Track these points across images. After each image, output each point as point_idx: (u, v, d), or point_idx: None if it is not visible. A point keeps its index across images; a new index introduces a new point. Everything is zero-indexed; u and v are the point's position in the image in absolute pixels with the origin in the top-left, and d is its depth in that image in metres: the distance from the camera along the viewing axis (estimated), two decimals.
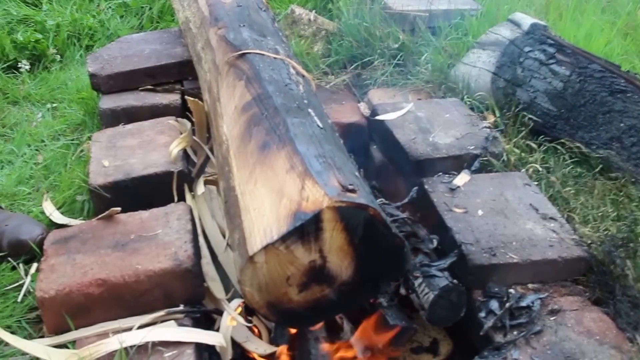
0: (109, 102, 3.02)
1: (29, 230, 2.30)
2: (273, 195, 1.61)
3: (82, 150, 2.91)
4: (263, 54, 2.21)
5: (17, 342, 1.91)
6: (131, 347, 1.81)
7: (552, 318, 2.01)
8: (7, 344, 1.94)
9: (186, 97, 2.82)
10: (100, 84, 3.11)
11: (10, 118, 3.33)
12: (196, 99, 2.61)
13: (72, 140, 3.09)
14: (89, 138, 2.83)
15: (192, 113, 2.64)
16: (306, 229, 1.51)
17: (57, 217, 2.48)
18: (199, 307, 2.00)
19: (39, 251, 2.15)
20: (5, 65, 3.85)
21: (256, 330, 2.15)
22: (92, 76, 3.12)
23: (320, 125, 1.87)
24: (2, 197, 2.63)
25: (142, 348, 1.82)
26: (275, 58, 2.22)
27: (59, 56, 4.06)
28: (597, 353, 1.89)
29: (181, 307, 1.97)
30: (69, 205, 2.59)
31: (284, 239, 1.50)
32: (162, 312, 1.94)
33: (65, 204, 2.60)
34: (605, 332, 1.97)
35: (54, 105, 3.47)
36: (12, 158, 2.97)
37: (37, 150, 3.04)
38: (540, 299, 2.06)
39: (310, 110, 1.94)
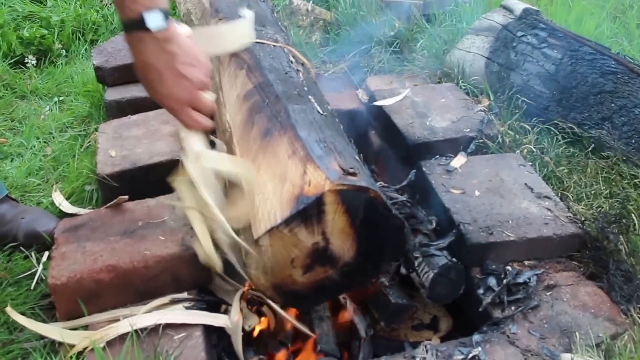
0: (114, 94, 3.07)
1: (44, 223, 2.35)
2: (276, 180, 1.65)
3: (89, 142, 2.96)
4: (263, 43, 2.24)
5: (33, 325, 1.95)
6: (142, 330, 1.85)
7: (548, 293, 2.06)
8: (21, 330, 2.00)
9: None
10: (105, 76, 3.15)
11: (18, 112, 3.37)
12: None
13: (80, 132, 3.13)
14: (96, 129, 2.88)
15: None
16: (309, 212, 1.55)
17: (67, 207, 2.52)
18: (202, 296, 2.03)
19: (51, 242, 2.19)
20: (12, 61, 3.89)
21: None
22: (97, 69, 3.16)
23: (321, 111, 1.91)
24: (12, 189, 2.66)
25: (152, 331, 1.86)
26: (275, 46, 2.25)
27: (64, 51, 4.10)
28: (592, 326, 1.93)
29: (185, 295, 2.00)
30: (78, 195, 2.63)
31: (287, 222, 1.55)
32: (166, 300, 1.98)
33: (74, 193, 2.64)
34: (599, 305, 2.02)
35: (61, 98, 3.51)
36: (22, 150, 3.01)
37: (45, 142, 3.09)
38: (537, 275, 2.10)
39: (310, 97, 1.98)
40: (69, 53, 4.11)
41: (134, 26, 1.57)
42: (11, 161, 2.93)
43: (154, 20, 1.55)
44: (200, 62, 1.71)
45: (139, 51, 1.62)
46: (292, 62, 2.19)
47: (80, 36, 4.23)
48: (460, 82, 3.16)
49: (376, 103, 2.87)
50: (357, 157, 1.82)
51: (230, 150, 1.92)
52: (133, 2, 1.54)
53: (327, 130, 1.80)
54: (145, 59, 1.62)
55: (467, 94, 3.05)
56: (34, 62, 3.90)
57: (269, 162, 1.72)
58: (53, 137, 3.11)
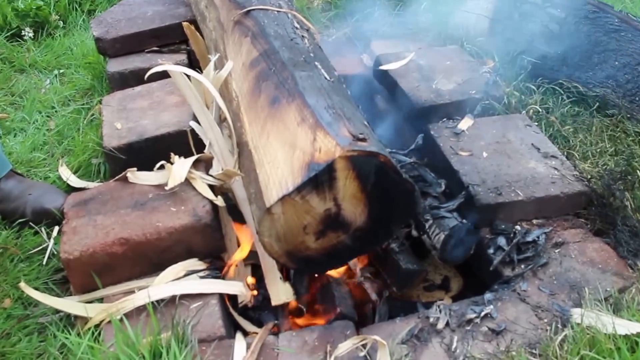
0: (116, 65, 3.05)
1: (52, 199, 2.35)
2: (286, 147, 1.66)
3: (93, 114, 2.94)
4: (267, 10, 2.23)
5: (48, 300, 1.97)
6: (158, 301, 1.86)
7: (556, 250, 2.08)
8: (36, 305, 2.02)
9: (183, 23, 2.68)
10: (107, 47, 3.12)
11: (18, 86, 3.33)
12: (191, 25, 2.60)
13: (83, 105, 3.11)
14: (99, 102, 2.84)
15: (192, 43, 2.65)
16: (320, 179, 1.56)
17: (74, 181, 2.52)
18: (213, 268, 2.04)
19: (61, 217, 2.19)
20: (9, 34, 3.82)
21: None
22: (98, 40, 3.13)
23: (328, 77, 1.91)
24: (17, 164, 2.65)
25: (168, 301, 1.88)
26: (279, 12, 2.24)
27: (61, 22, 4.03)
28: (600, 280, 1.96)
29: (196, 261, 2.02)
30: (85, 169, 2.63)
31: (299, 189, 1.56)
32: (179, 268, 1.99)
33: (81, 167, 2.63)
34: (607, 260, 2.04)
35: (61, 71, 3.47)
36: (24, 125, 2.99)
37: (48, 116, 3.06)
38: (545, 233, 2.13)
39: (316, 63, 1.97)
40: (66, 24, 4.05)
41: None
42: (14, 136, 2.91)
43: None
44: None
45: None
46: (297, 28, 2.18)
47: (77, 6, 4.16)
48: (465, 44, 3.15)
49: (382, 67, 2.86)
50: (365, 123, 1.82)
51: (239, 119, 1.93)
52: None
53: (335, 96, 1.80)
54: None
55: (472, 55, 3.04)
56: (31, 34, 3.84)
57: (278, 130, 1.72)
58: (56, 111, 3.08)
